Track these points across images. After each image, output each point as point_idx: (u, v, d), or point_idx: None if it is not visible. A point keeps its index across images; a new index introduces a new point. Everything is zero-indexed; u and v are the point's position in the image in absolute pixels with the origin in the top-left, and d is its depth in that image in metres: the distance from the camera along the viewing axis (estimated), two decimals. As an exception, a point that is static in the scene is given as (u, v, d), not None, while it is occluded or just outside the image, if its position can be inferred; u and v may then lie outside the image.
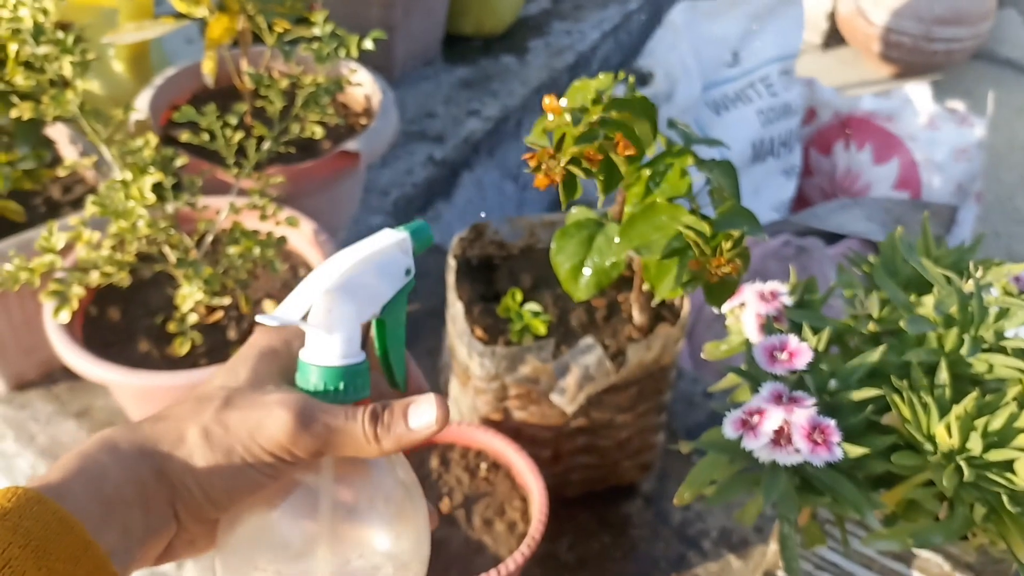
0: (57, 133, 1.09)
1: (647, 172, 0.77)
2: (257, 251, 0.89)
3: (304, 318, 0.43)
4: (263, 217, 0.91)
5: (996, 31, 2.90)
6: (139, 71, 1.30)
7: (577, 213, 0.88)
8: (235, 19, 1.05)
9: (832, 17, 2.97)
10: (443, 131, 1.55)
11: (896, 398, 0.68)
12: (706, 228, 0.68)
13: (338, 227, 1.27)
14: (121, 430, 0.42)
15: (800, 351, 0.69)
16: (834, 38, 3.02)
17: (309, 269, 1.02)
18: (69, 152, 1.09)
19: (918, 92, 2.13)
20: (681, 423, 1.13)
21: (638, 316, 0.93)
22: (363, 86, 1.23)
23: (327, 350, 0.43)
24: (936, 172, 2.07)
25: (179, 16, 1.08)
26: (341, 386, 0.43)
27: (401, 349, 0.47)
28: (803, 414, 0.64)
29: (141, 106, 1.16)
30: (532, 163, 0.62)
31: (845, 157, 2.15)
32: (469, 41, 1.76)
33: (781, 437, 0.64)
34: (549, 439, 0.95)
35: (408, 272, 0.46)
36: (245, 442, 0.42)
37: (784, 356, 0.69)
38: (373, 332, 0.46)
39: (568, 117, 0.64)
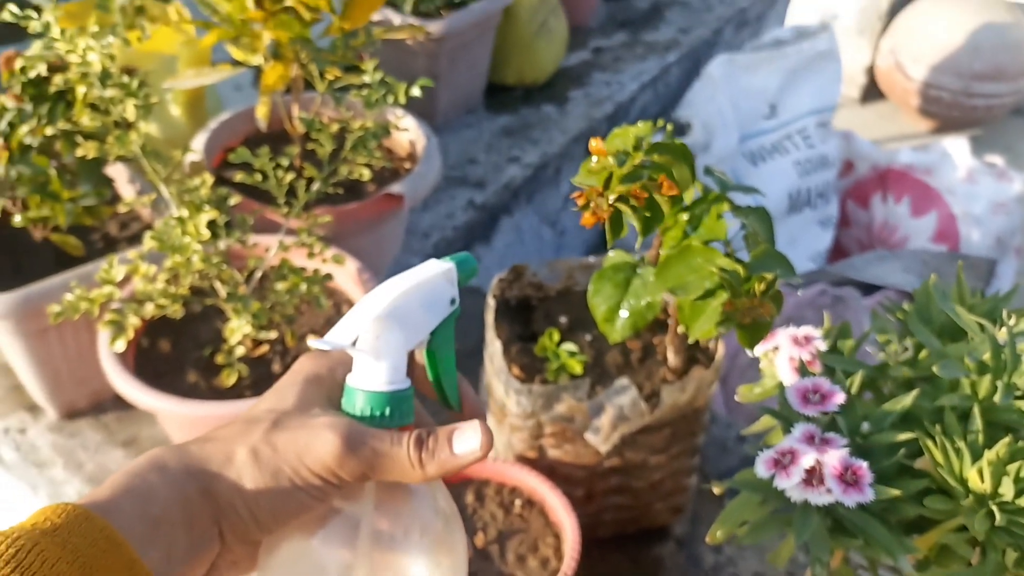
0: (116, 172, 1.14)
1: (684, 216, 0.79)
2: (304, 287, 0.92)
3: (353, 344, 0.44)
4: (310, 255, 0.95)
5: (1036, 87, 2.90)
6: (195, 115, 1.36)
7: (614, 256, 0.90)
8: (289, 67, 1.10)
9: (870, 71, 3.00)
10: (484, 177, 1.59)
11: (929, 442, 0.69)
12: (740, 270, 0.70)
13: (380, 267, 1.30)
14: (170, 450, 0.43)
15: (833, 393, 0.70)
16: (872, 92, 3.03)
17: (352, 306, 1.05)
18: (127, 190, 1.14)
19: (956, 146, 2.14)
20: (714, 467, 1.14)
21: (673, 358, 0.95)
22: (408, 132, 1.27)
23: (374, 376, 0.44)
24: (975, 225, 2.07)
25: (235, 63, 1.13)
26: (387, 411, 0.44)
27: (453, 375, 0.48)
28: (835, 455, 0.65)
29: (196, 148, 1.21)
30: (580, 201, 0.65)
31: (883, 209, 2.16)
32: (511, 91, 1.81)
33: (813, 477, 0.65)
34: (583, 478, 0.97)
35: (453, 302, 0.47)
36: (293, 463, 0.43)
37: (817, 398, 0.70)
38: (424, 359, 0.48)
39: (612, 159, 0.67)
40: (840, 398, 0.70)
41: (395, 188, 1.15)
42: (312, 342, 0.44)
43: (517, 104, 1.78)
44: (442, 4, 1.56)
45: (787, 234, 2.04)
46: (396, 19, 1.53)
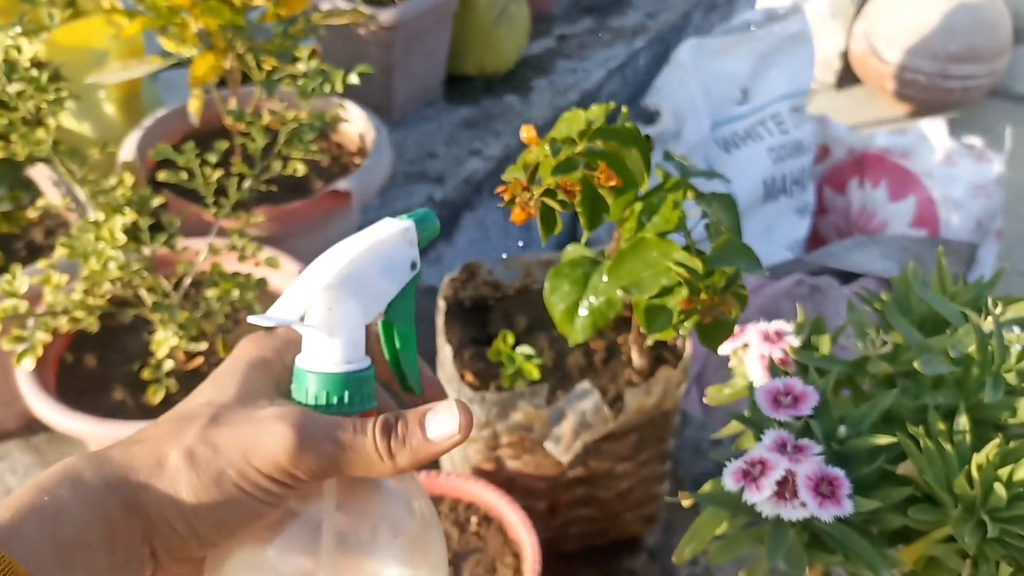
0: (40, 175, 1.07)
1: (640, 206, 0.73)
2: (236, 294, 0.85)
3: (301, 319, 0.37)
4: (242, 258, 0.88)
5: (1012, 68, 2.86)
6: (131, 113, 1.28)
7: (572, 251, 0.84)
8: (221, 57, 1.02)
9: (845, 56, 2.94)
10: (444, 171, 1.52)
11: (912, 446, 0.62)
12: (698, 265, 0.64)
13: (332, 270, 1.23)
14: (87, 459, 0.37)
15: (806, 395, 0.64)
16: (848, 77, 2.98)
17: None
18: (53, 194, 1.06)
19: (934, 128, 2.08)
20: (688, 471, 1.07)
21: (637, 359, 0.89)
22: (355, 124, 1.20)
23: (327, 355, 0.38)
24: (954, 209, 2.01)
25: (166, 55, 1.05)
26: (345, 396, 0.38)
27: (413, 351, 0.41)
28: (809, 464, 0.59)
29: (129, 147, 1.13)
30: (506, 196, 0.58)
31: (860, 195, 2.10)
32: (471, 81, 1.74)
33: (785, 489, 0.59)
34: (545, 490, 0.90)
35: (414, 266, 0.40)
36: (238, 464, 0.36)
37: (788, 401, 0.64)
38: (380, 335, 0.41)
39: (548, 148, 0.60)
40: (814, 400, 0.63)
41: (341, 184, 1.08)
42: (253, 319, 0.37)
43: (478, 95, 1.71)
44: (395, -9, 1.49)
45: (763, 223, 1.98)
46: (345, 7, 1.46)
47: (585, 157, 0.64)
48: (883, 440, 0.63)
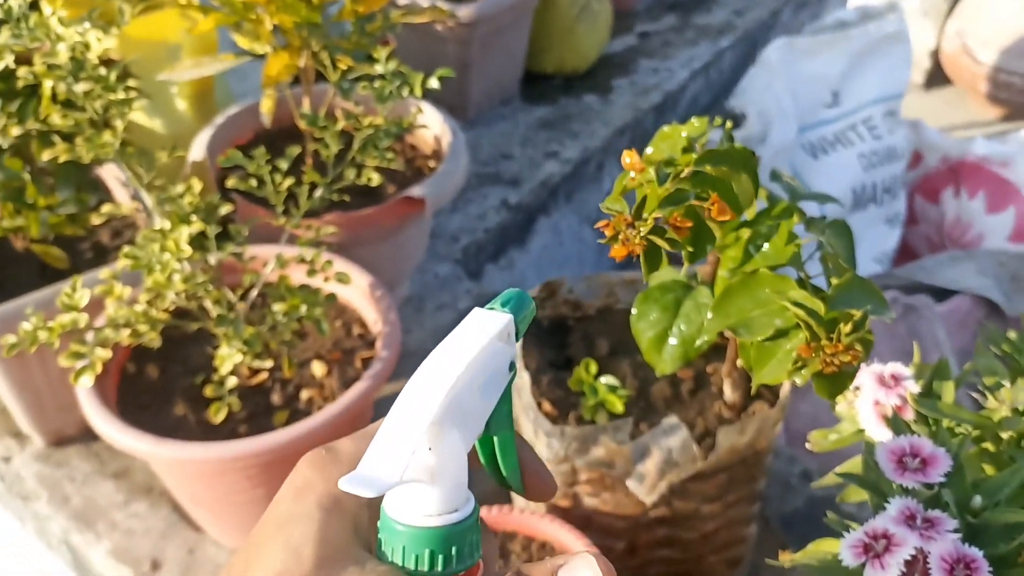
0: (108, 174, 1.03)
1: (747, 233, 0.66)
2: (304, 309, 0.81)
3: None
4: (311, 272, 0.83)
5: (1120, 71, 2.69)
6: (203, 109, 1.25)
7: (662, 274, 0.77)
8: (296, 56, 0.98)
9: (935, 55, 2.81)
10: (519, 174, 1.46)
11: (1057, 521, 0.55)
12: (820, 307, 0.57)
13: (402, 276, 1.18)
14: None
15: (936, 458, 0.56)
16: (937, 77, 2.85)
17: (364, 326, 0.93)
18: (121, 195, 1.03)
19: (1037, 136, 1.96)
20: (775, 510, 1.00)
21: (730, 393, 0.82)
22: (431, 127, 1.14)
23: (427, 504, 0.31)
24: (1058, 224, 1.89)
25: (240, 53, 1.01)
26: (452, 553, 0.31)
27: (513, 456, 0.35)
28: (943, 543, 0.51)
29: (199, 146, 1.10)
30: (608, 232, 0.52)
31: (955, 205, 1.99)
32: (550, 79, 1.68)
33: (915, 570, 0.52)
34: (624, 530, 0.84)
35: (512, 367, 0.34)
36: None
37: (916, 464, 0.56)
38: (476, 447, 0.35)
39: (652, 174, 0.54)
40: (946, 465, 0.56)
41: (415, 191, 1.03)
42: (345, 485, 0.30)
43: (556, 94, 1.65)
44: (474, -14, 1.43)
45: (850, 233, 1.88)
46: (424, 2, 1.41)
47: (692, 184, 0.57)
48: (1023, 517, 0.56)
